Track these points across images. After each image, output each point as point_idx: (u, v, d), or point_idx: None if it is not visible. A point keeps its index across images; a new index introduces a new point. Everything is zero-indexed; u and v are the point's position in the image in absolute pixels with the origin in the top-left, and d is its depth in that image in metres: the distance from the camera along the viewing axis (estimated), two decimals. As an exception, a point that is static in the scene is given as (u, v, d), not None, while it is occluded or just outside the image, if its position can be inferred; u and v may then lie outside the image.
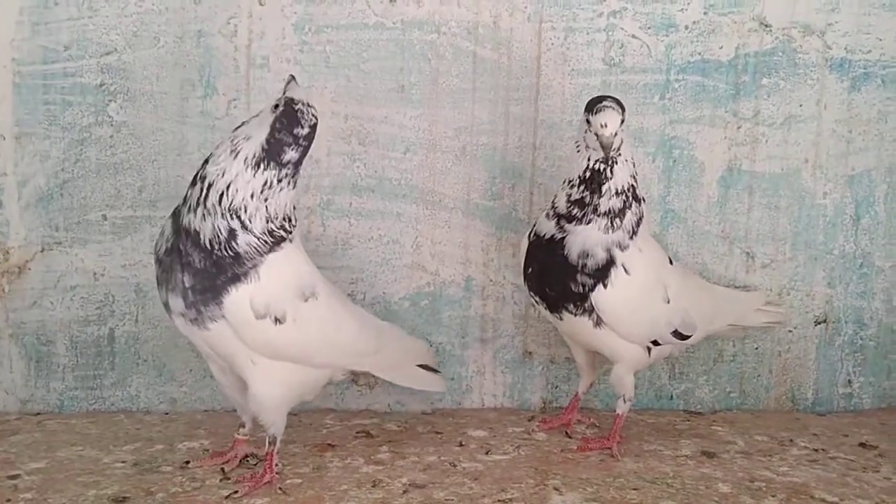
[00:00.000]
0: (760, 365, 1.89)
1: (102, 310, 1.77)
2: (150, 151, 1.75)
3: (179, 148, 1.75)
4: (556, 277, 1.54)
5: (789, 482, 1.45)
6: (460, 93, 1.79)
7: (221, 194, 1.33)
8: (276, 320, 1.35)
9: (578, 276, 1.51)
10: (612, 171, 1.51)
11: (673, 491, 1.42)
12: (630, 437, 1.66)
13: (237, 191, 1.33)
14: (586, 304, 1.52)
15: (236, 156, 1.34)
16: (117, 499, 1.38)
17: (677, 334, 1.58)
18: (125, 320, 1.78)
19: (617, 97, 1.53)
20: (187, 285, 1.33)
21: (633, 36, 1.81)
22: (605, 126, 1.46)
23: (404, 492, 1.40)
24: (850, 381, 1.90)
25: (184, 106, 1.75)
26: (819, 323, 1.90)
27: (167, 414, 1.78)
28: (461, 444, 1.62)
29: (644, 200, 1.57)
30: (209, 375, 1.78)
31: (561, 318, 1.57)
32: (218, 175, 1.34)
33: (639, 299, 1.53)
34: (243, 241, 1.33)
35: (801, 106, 1.85)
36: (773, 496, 1.37)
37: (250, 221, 1.33)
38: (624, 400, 1.60)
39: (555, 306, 1.56)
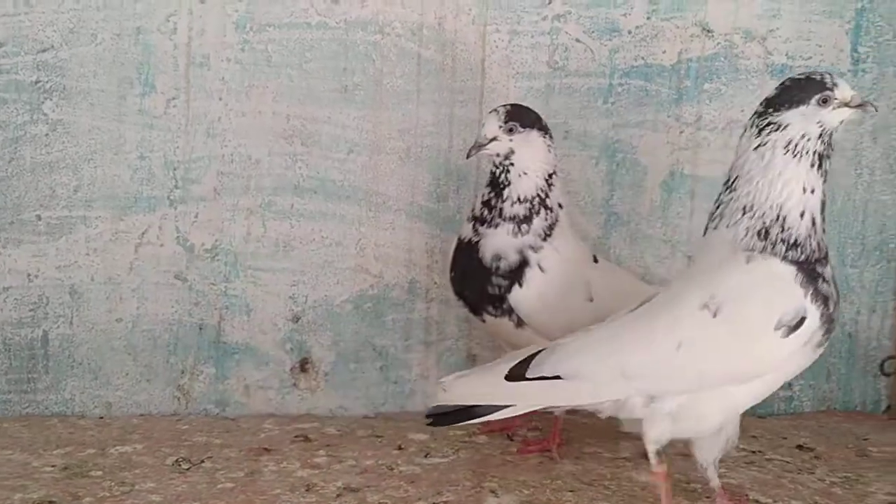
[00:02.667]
0: (703, 368, 1.90)
1: (36, 312, 1.73)
2: (87, 150, 1.72)
3: (117, 147, 1.72)
4: (474, 280, 1.55)
5: (725, 483, 1.44)
6: (404, 94, 1.78)
7: None
8: None
9: (493, 278, 1.52)
10: (507, 178, 1.53)
11: (609, 493, 1.42)
12: (571, 439, 1.66)
13: None
14: (504, 305, 1.53)
15: None
16: (43, 503, 1.34)
17: None
18: (59, 323, 1.74)
19: (524, 105, 1.56)
20: None
21: (577, 40, 1.81)
22: (483, 126, 1.53)
23: (338, 496, 1.38)
24: (790, 384, 1.91)
25: (121, 104, 1.72)
26: (760, 326, 1.91)
27: (102, 418, 1.74)
28: (400, 448, 1.60)
29: (561, 206, 1.57)
30: (145, 379, 1.77)
31: (483, 320, 1.58)
32: None
33: (556, 297, 1.53)
34: None
35: (742, 111, 1.86)
36: (708, 497, 1.38)
37: None
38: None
39: (476, 308, 1.57)
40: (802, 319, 1.21)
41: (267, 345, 1.80)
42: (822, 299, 1.22)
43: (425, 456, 1.57)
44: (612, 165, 1.85)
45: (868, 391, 1.96)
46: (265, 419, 1.75)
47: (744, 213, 1.27)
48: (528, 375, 1.31)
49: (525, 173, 1.53)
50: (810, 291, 1.22)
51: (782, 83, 1.29)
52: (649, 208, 1.87)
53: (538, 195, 1.54)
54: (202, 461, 1.51)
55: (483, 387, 1.36)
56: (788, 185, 1.24)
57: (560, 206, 1.57)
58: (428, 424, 1.39)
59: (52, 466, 1.48)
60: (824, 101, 1.25)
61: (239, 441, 1.62)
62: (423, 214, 1.82)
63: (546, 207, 1.54)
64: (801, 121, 1.25)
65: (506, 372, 1.33)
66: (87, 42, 1.70)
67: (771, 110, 1.27)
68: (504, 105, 1.56)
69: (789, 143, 1.25)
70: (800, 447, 1.68)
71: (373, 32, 1.76)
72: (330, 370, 1.82)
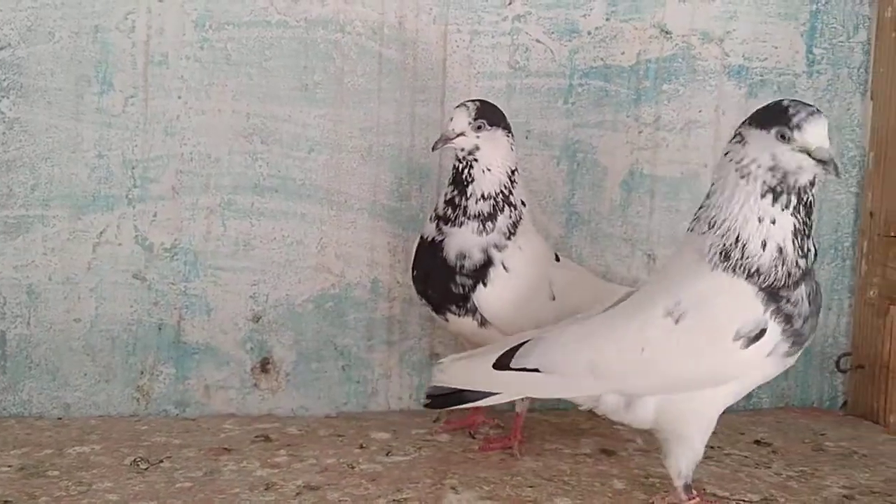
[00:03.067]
0: (663, 366, 1.92)
1: (-8, 312, 1.72)
2: (44, 149, 1.70)
3: (74, 145, 1.71)
4: (437, 279, 1.55)
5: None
6: (365, 93, 1.79)
7: None
8: None
9: (457, 278, 1.53)
10: (471, 174, 1.53)
11: (569, 488, 1.43)
12: (532, 436, 1.66)
13: None
14: (468, 305, 1.53)
15: None
16: (-3, 504, 1.32)
17: None
18: (17, 323, 1.72)
19: (491, 102, 1.56)
20: None
21: (538, 40, 1.83)
22: (451, 120, 1.53)
23: (298, 494, 1.37)
24: (748, 381, 1.94)
25: (79, 102, 1.70)
26: (719, 324, 1.93)
27: (60, 419, 1.72)
28: (362, 447, 1.60)
29: (524, 204, 1.57)
30: (104, 380, 1.75)
31: (447, 320, 1.58)
32: None
33: (521, 296, 1.54)
34: None
35: (700, 111, 1.89)
36: (666, 491, 1.39)
37: None
38: (522, 398, 1.60)
39: (439, 308, 1.57)
40: (763, 331, 1.21)
41: (227, 345, 1.79)
42: (785, 317, 1.21)
43: (387, 454, 1.57)
44: (572, 165, 1.86)
45: (825, 388, 1.99)
46: (226, 419, 1.74)
47: (710, 228, 1.27)
48: (512, 365, 1.34)
49: (489, 169, 1.54)
50: (771, 309, 1.21)
51: (779, 100, 1.23)
52: (609, 208, 1.88)
53: (502, 191, 1.54)
54: (161, 461, 1.50)
55: (474, 372, 1.38)
56: (742, 210, 1.22)
57: (523, 203, 1.58)
58: (425, 405, 1.43)
59: (9, 467, 1.46)
60: (782, 137, 1.19)
61: (199, 441, 1.60)
62: (385, 213, 1.82)
63: (510, 204, 1.55)
64: (757, 145, 1.21)
65: (494, 360, 1.35)
66: (44, 40, 1.69)
67: (748, 121, 1.25)
68: (473, 101, 1.56)
69: (741, 162, 1.23)
70: (757, 442, 1.71)
71: (333, 31, 1.76)
72: (291, 370, 1.81)
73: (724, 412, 1.33)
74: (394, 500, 1.36)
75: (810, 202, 1.23)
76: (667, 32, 1.86)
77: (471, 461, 1.55)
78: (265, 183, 1.77)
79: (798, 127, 1.18)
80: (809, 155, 1.18)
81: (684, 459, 1.31)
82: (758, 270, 1.22)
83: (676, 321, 1.24)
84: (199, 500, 1.35)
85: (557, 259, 1.65)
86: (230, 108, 1.74)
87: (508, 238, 1.55)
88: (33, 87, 1.69)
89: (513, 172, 1.56)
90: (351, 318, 1.83)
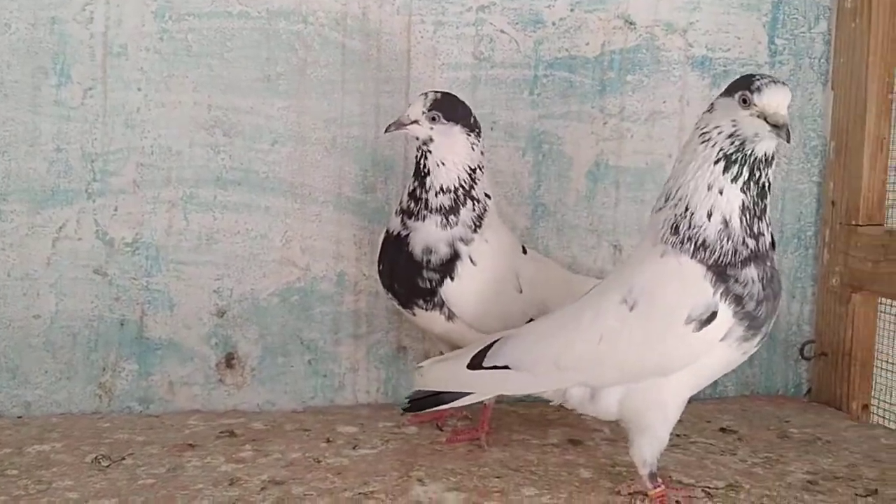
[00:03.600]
0: (630, 356, 1.92)
1: (-51, 309, 1.68)
2: (1, 142, 1.67)
3: (32, 139, 1.67)
4: (404, 274, 1.54)
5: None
6: (329, 84, 1.77)
7: None
8: None
9: (424, 272, 1.52)
10: (427, 165, 1.52)
11: (535, 478, 1.42)
12: (500, 427, 1.66)
13: None
14: (436, 299, 1.53)
15: None
16: (-47, 505, 1.29)
17: None
18: (-26, 320, 1.69)
19: (455, 97, 1.54)
20: None
21: (502, 31, 1.82)
22: (409, 106, 1.53)
23: (262, 489, 1.36)
24: (714, 370, 1.95)
25: (36, 95, 1.67)
26: (685, 314, 1.94)
27: (20, 418, 1.69)
28: (328, 441, 1.59)
29: (489, 197, 1.56)
30: (65, 377, 1.72)
31: (414, 314, 1.57)
32: None
33: (488, 290, 1.53)
34: None
35: (664, 102, 1.90)
36: (632, 479, 1.39)
37: None
38: (491, 391, 1.60)
39: (406, 302, 1.56)
40: (714, 314, 1.22)
41: (191, 340, 1.76)
42: (735, 298, 1.22)
43: (353, 448, 1.56)
44: (538, 156, 1.86)
45: (790, 375, 2.01)
46: (190, 416, 1.72)
47: (666, 201, 1.29)
48: (484, 364, 1.36)
49: (443, 163, 1.52)
50: (720, 290, 1.22)
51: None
52: (575, 199, 1.88)
53: (461, 186, 1.53)
54: (123, 458, 1.48)
55: (450, 374, 1.40)
56: (695, 176, 1.24)
57: (488, 196, 1.57)
58: (404, 410, 1.48)
59: (-34, 467, 1.43)
60: (744, 102, 1.20)
61: (162, 438, 1.58)
62: (350, 206, 1.81)
63: (472, 198, 1.54)
64: (722, 111, 1.24)
65: (468, 360, 1.37)
66: (0, 32, 1.65)
67: (721, 92, 1.26)
68: (436, 92, 1.54)
69: (706, 128, 1.25)
70: (723, 430, 1.72)
71: (296, 21, 1.74)
72: (257, 365, 1.79)
73: (690, 400, 1.33)
74: (360, 494, 1.35)
75: (764, 184, 1.23)
76: (631, 23, 1.87)
77: (438, 453, 1.54)
78: (228, 176, 1.75)
79: (758, 90, 1.20)
80: (766, 121, 1.19)
81: (649, 448, 1.31)
82: (704, 243, 1.23)
83: (631, 308, 1.25)
84: (161, 497, 1.33)
85: (525, 251, 1.65)
86: (191, 99, 1.72)
87: (474, 231, 1.54)
88: (-11, 79, 1.66)
89: (473, 170, 1.54)
90: (317, 312, 1.81)
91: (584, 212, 1.89)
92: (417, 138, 1.53)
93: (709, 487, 1.41)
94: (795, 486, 1.43)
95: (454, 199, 1.53)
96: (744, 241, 1.22)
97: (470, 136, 1.54)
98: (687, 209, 1.24)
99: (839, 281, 1.90)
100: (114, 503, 1.31)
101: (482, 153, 1.56)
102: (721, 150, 1.23)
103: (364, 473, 1.43)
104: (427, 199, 1.52)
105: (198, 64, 1.72)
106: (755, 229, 1.23)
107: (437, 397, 1.42)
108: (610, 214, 1.89)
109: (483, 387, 1.39)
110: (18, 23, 1.66)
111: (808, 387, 2.01)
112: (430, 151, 1.53)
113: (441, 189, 1.52)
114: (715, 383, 1.93)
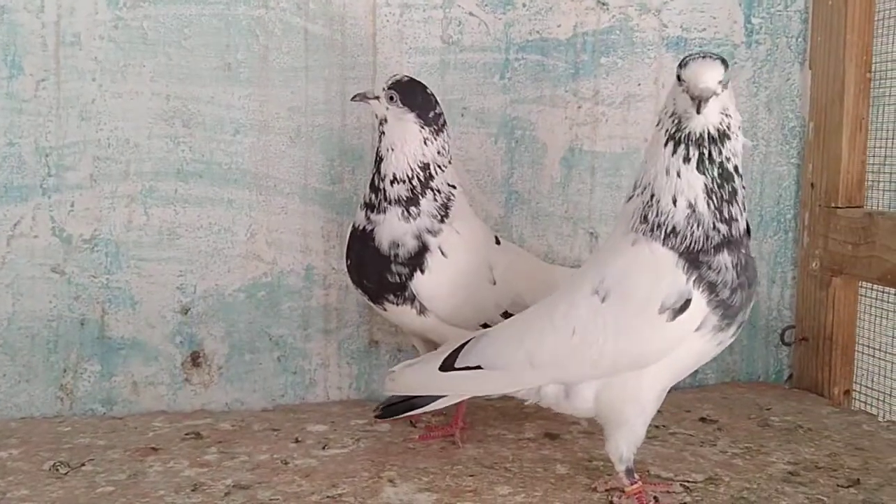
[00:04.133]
0: (608, 345, 1.88)
1: None
2: (-51, 137, 1.60)
3: (-18, 133, 1.61)
4: (372, 269, 1.49)
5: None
6: (292, 71, 1.71)
7: None
8: None
9: (393, 266, 1.47)
10: (381, 149, 1.48)
11: (510, 475, 1.38)
12: (475, 422, 1.62)
13: None
14: (406, 293, 1.48)
15: None
16: None
17: (508, 316, 1.54)
18: (-73, 323, 1.63)
19: (420, 86, 1.49)
20: None
21: (471, 13, 1.77)
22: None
23: (226, 494, 1.31)
24: (694, 358, 1.91)
25: (-14, 87, 1.61)
26: (664, 301, 1.90)
27: (-22, 423, 1.64)
28: (297, 441, 1.54)
29: (454, 187, 1.51)
30: (25, 380, 1.66)
31: (385, 309, 1.52)
32: None
33: (460, 282, 1.49)
34: None
35: (639, 85, 1.85)
36: (609, 475, 1.35)
37: None
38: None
39: (376, 298, 1.52)
40: (688, 302, 1.18)
41: (155, 339, 1.71)
42: (708, 286, 1.18)
43: (323, 448, 1.51)
44: (511, 143, 1.81)
45: (770, 361, 1.98)
46: (155, 417, 1.66)
47: (635, 189, 1.25)
48: (456, 365, 1.31)
49: (392, 149, 1.47)
50: (693, 277, 1.18)
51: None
52: (550, 186, 1.84)
53: (416, 176, 1.47)
54: (82, 464, 1.42)
55: (422, 377, 1.36)
56: (655, 163, 1.20)
57: (453, 186, 1.52)
58: (377, 417, 1.47)
59: (-84, 477, 1.37)
60: (679, 79, 1.17)
61: (125, 441, 1.53)
62: (317, 197, 1.75)
63: (432, 189, 1.48)
64: (670, 92, 1.21)
65: (440, 362, 1.33)
66: (-55, 21, 1.58)
67: None
68: (407, 76, 1.50)
69: (660, 111, 1.23)
70: (703, 419, 1.68)
71: (256, 7, 1.68)
72: (224, 363, 1.74)
73: (670, 390, 1.29)
74: (328, 497, 1.30)
75: (722, 164, 1.18)
76: (603, 4, 1.82)
77: (410, 451, 1.50)
78: (189, 168, 1.69)
79: (685, 65, 1.17)
80: (690, 96, 1.15)
81: (625, 444, 1.27)
82: (674, 230, 1.19)
83: (603, 300, 1.21)
84: (120, 506, 1.28)
85: (498, 242, 1.60)
86: (149, 90, 1.65)
87: (441, 221, 1.49)
88: (-64, 71, 1.59)
89: (426, 166, 1.48)
90: (285, 307, 1.76)
91: (559, 199, 1.84)
92: (376, 116, 1.49)
93: (687, 481, 1.38)
94: (776, 477, 1.40)
95: (411, 190, 1.47)
96: (714, 226, 1.19)
97: (424, 129, 1.48)
98: (653, 196, 1.21)
99: (819, 264, 1.87)
100: None
101: (440, 152, 1.49)
102: (667, 130, 1.20)
103: (333, 475, 1.38)
104: (385, 189, 1.47)
105: (155, 52, 1.65)
106: (726, 214, 1.19)
107: (411, 402, 1.38)
108: (585, 201, 1.85)
109: (456, 388, 1.35)
110: (-35, 12, 1.59)
111: (789, 372, 1.98)
112: (383, 133, 1.49)
113: (395, 178, 1.47)
114: (695, 371, 1.91)
